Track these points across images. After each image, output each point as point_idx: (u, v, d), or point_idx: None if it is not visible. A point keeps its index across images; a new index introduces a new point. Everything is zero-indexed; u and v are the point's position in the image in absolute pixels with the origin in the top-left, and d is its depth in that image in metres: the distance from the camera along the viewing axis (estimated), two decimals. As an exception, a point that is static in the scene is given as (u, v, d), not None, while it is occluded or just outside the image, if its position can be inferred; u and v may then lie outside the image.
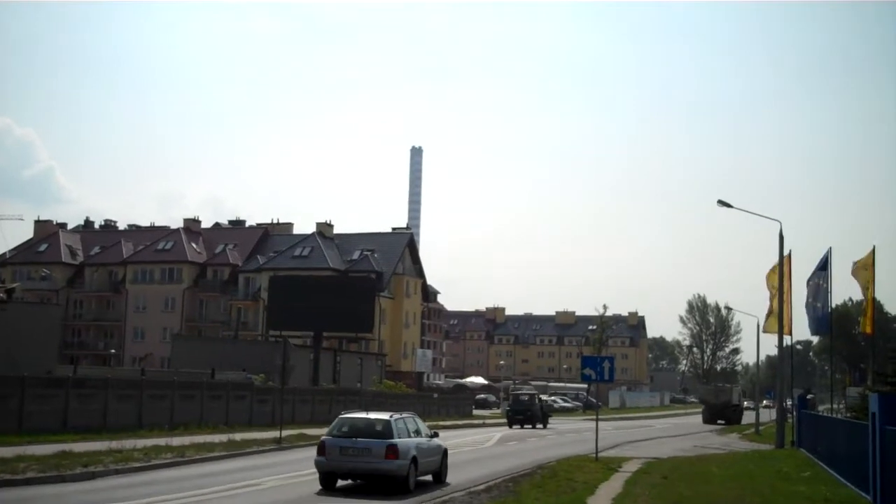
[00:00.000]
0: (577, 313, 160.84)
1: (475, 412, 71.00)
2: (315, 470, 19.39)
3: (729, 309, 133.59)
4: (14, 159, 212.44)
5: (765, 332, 43.11)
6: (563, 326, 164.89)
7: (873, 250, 30.78)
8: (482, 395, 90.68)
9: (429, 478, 20.63)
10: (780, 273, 37.35)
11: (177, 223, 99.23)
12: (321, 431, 36.96)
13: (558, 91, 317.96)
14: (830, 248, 34.21)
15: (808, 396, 49.95)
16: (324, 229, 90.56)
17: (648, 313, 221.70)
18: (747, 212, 38.52)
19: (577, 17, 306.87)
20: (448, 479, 21.24)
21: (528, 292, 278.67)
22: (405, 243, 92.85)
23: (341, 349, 66.71)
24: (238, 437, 30.42)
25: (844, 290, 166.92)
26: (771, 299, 40.97)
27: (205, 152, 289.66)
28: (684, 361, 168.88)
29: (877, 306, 47.29)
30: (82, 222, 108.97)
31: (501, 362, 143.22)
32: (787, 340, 40.57)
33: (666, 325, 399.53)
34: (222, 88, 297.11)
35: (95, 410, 30.70)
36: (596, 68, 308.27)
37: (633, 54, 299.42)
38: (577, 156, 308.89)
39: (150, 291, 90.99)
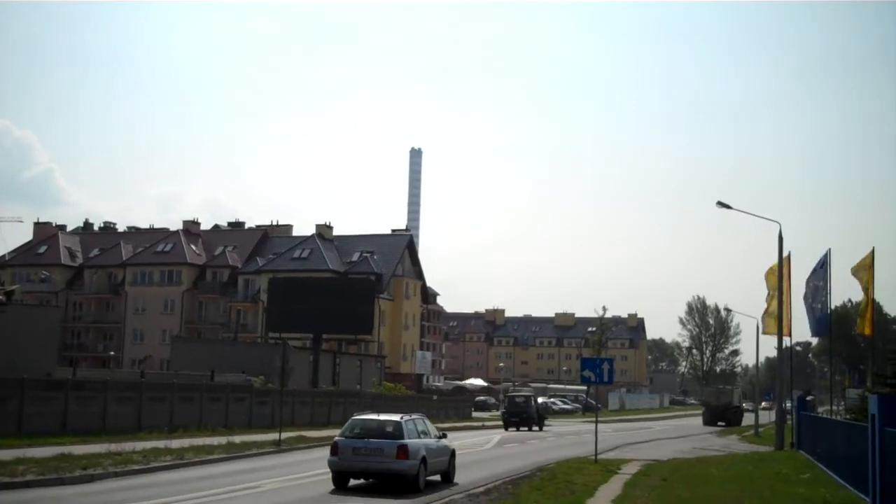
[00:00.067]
0: (576, 315, 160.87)
1: (475, 414, 71.00)
2: (314, 472, 19.62)
3: (728, 310, 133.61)
4: (13, 161, 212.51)
5: (764, 333, 43.12)
6: (563, 328, 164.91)
7: (872, 251, 30.82)
8: (482, 397, 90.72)
9: (437, 477, 21.08)
10: (780, 274, 37.34)
11: (176, 225, 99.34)
12: (321, 434, 37.19)
13: (558, 92, 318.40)
14: (829, 249, 34.28)
15: (808, 398, 49.96)
16: (323, 231, 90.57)
17: (648, 315, 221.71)
18: (747, 213, 38.54)
19: (577, 18, 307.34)
20: (456, 479, 21.72)
21: (527, 294, 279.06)
22: (405, 245, 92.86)
23: (341, 351, 66.73)
24: (237, 439, 30.40)
25: (844, 291, 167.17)
26: (769, 299, 40.98)
27: (204, 154, 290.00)
28: (684, 363, 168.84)
29: (876, 308, 47.29)
30: (82, 224, 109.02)
31: (501, 364, 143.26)
32: (786, 342, 40.53)
33: (665, 326, 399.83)
34: (222, 90, 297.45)
35: (95, 413, 30.70)
36: (595, 69, 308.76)
37: (632, 54, 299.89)
38: (577, 157, 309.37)
39: (149, 293, 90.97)
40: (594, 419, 30.59)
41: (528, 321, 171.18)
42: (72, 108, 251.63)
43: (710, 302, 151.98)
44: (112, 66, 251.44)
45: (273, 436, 31.66)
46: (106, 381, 33.99)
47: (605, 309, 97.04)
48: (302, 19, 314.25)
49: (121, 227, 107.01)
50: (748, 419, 66.66)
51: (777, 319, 37.68)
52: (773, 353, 49.98)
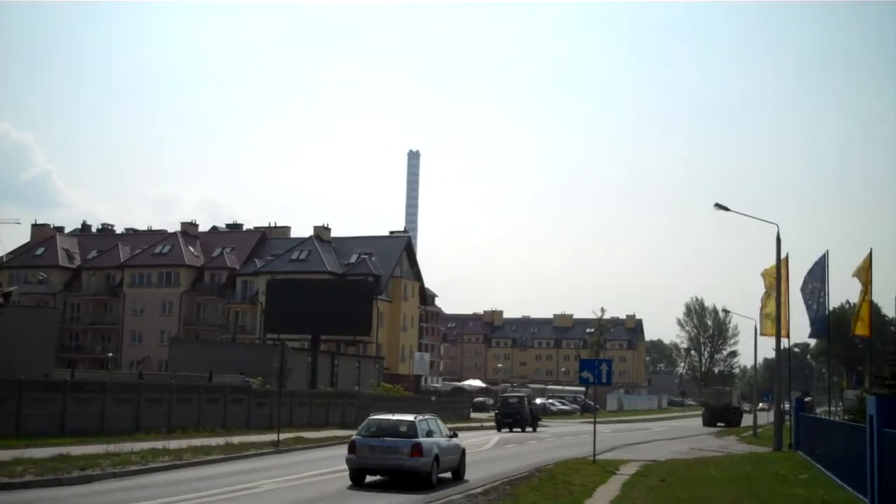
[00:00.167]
0: (574, 316, 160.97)
1: (473, 415, 71.02)
2: (312, 473, 19.71)
3: (727, 312, 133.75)
4: (11, 163, 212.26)
5: (762, 334, 43.16)
6: (561, 329, 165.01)
7: (870, 253, 30.87)
8: (480, 398, 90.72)
9: (448, 475, 22.00)
10: (778, 276, 37.38)
11: (174, 227, 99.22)
12: (319, 434, 37.22)
13: (556, 93, 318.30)
14: (827, 251, 34.33)
15: (806, 399, 50.10)
16: (321, 233, 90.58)
17: (646, 316, 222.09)
18: (745, 215, 38.60)
19: (577, 18, 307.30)
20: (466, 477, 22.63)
21: (525, 295, 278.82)
22: (403, 247, 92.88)
23: (339, 352, 66.74)
24: (236, 440, 30.40)
25: (842, 293, 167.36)
26: (765, 298, 40.98)
27: (202, 156, 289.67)
28: (682, 364, 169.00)
29: (874, 309, 47.38)
30: (79, 226, 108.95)
31: (499, 365, 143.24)
32: (784, 343, 40.57)
33: (664, 327, 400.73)
34: (219, 92, 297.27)
35: (93, 414, 30.68)
36: (595, 70, 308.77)
37: (632, 55, 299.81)
38: (575, 158, 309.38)
39: (147, 295, 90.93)
40: (592, 420, 30.65)
41: (526, 322, 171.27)
42: (70, 109, 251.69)
43: (708, 303, 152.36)
44: (110, 67, 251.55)
45: (271, 437, 31.67)
46: (104, 382, 33.97)
47: (603, 310, 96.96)
48: (301, 20, 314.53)
49: (119, 229, 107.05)
50: (747, 420, 66.73)
51: (775, 321, 37.70)
52: (772, 355, 50.24)
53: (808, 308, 35.26)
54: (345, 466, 21.21)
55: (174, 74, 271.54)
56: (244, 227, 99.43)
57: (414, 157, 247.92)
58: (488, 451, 34.91)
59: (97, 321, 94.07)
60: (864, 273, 30.87)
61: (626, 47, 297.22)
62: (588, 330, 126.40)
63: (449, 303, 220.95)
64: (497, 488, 20.47)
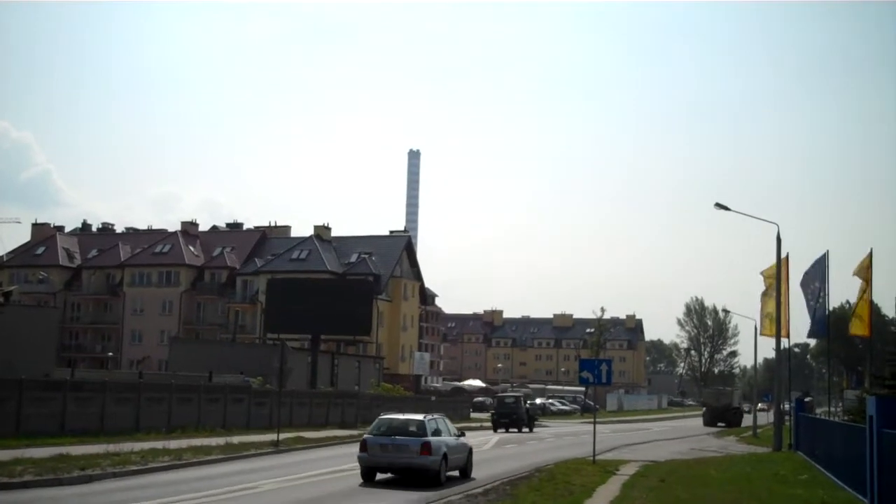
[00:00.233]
0: (574, 316, 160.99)
1: (473, 415, 70.99)
2: (313, 473, 19.79)
3: (727, 312, 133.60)
4: (11, 162, 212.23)
5: (762, 334, 43.14)
6: (561, 329, 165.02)
7: (870, 253, 30.86)
8: (480, 398, 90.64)
9: (456, 473, 22.62)
10: (778, 276, 37.37)
11: (174, 226, 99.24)
12: (319, 434, 37.22)
13: (556, 94, 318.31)
14: (827, 251, 34.31)
15: (806, 399, 50.09)
16: (321, 232, 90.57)
17: (646, 316, 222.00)
18: (745, 214, 38.62)
19: (577, 18, 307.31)
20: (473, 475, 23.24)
21: (525, 295, 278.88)
22: (403, 246, 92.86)
23: (339, 352, 66.72)
24: (235, 440, 30.40)
25: (842, 293, 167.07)
26: (764, 298, 40.94)
27: (202, 155, 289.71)
28: (682, 364, 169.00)
29: (874, 309, 47.35)
30: (80, 225, 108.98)
31: (499, 365, 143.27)
32: (784, 343, 40.54)
33: (664, 327, 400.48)
34: (219, 92, 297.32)
35: (93, 413, 30.67)
36: (595, 70, 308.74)
37: (632, 55, 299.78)
38: (575, 159, 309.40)
39: (147, 294, 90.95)
40: (592, 420, 30.67)
41: (526, 322, 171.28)
42: (70, 108, 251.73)
43: (708, 303, 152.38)
44: (110, 67, 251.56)
45: (271, 436, 31.67)
46: (104, 381, 33.95)
47: (603, 310, 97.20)
48: (299, 23, 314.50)
49: (119, 228, 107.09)
50: (747, 420, 66.74)
51: (775, 321, 37.70)
52: (772, 355, 50.19)
53: (809, 307, 35.25)
54: (346, 466, 21.36)
55: (174, 74, 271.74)
56: (244, 227, 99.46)
57: (414, 157, 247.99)
58: (488, 450, 34.92)
59: (97, 320, 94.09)
60: (865, 273, 30.86)
61: (626, 47, 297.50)
62: (588, 330, 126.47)
63: (449, 302, 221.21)
64: (497, 488, 20.49)
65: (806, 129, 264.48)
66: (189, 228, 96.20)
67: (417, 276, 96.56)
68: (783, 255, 37.38)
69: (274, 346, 46.38)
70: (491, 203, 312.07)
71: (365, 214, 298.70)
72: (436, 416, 23.27)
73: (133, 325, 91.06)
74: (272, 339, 56.40)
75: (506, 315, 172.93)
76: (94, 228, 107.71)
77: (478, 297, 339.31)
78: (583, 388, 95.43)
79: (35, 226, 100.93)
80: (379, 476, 21.52)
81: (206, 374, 43.90)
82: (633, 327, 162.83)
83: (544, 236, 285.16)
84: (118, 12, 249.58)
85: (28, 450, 22.75)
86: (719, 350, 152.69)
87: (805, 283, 36.13)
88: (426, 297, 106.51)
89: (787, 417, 42.74)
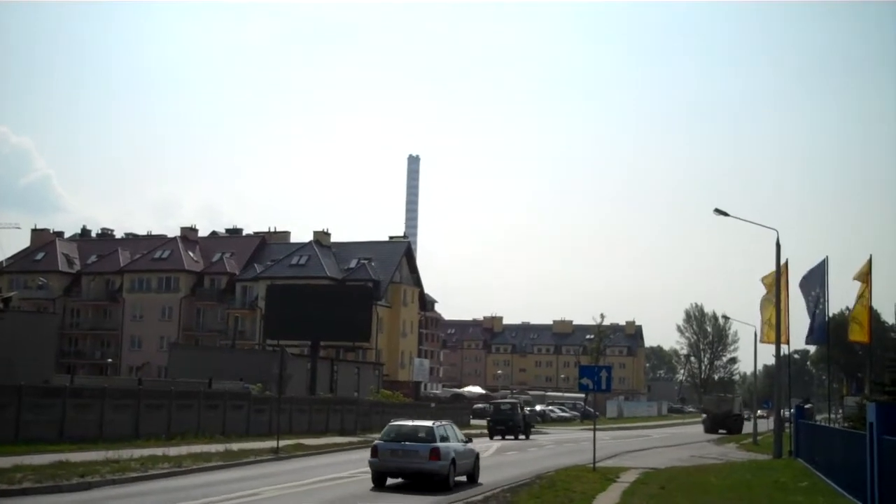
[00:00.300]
0: (574, 322, 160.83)
1: (472, 422, 70.92)
2: (312, 480, 19.88)
3: (726, 318, 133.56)
4: (11, 167, 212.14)
5: (762, 341, 43.10)
6: (561, 336, 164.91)
7: (870, 259, 30.87)
8: (480, 405, 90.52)
9: (464, 478, 23.20)
10: (778, 282, 37.37)
11: (173, 232, 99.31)
12: (318, 441, 37.18)
13: (556, 99, 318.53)
14: (827, 257, 34.32)
15: (807, 406, 49.99)
16: (321, 238, 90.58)
17: (646, 322, 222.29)
18: (744, 220, 38.58)
19: (576, 22, 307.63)
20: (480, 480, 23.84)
21: (525, 301, 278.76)
22: (402, 252, 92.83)
23: (338, 358, 66.66)
24: (235, 446, 30.37)
25: (842, 299, 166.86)
26: (764, 304, 40.91)
27: (201, 161, 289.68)
28: (682, 371, 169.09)
29: (874, 315, 47.36)
30: (79, 231, 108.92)
31: (499, 371, 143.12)
32: (784, 350, 40.50)
33: (663, 334, 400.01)
34: (219, 98, 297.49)
35: (92, 420, 30.64)
36: (594, 75, 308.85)
37: (631, 58, 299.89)
38: (575, 164, 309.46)
39: (146, 300, 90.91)
40: (592, 427, 30.65)
41: (526, 328, 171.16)
42: (69, 112, 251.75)
43: (707, 310, 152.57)
44: (109, 71, 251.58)
45: (271, 443, 31.65)
46: (103, 388, 33.90)
47: (603, 316, 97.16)
48: (298, 29, 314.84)
49: (118, 234, 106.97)
50: (747, 427, 66.68)
51: (775, 327, 37.67)
52: (772, 361, 50.01)
53: (809, 310, 35.20)
54: (345, 473, 21.41)
55: (173, 77, 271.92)
56: (244, 233, 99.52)
57: (414, 162, 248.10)
58: (489, 457, 34.84)
59: (97, 326, 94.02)
60: (864, 279, 30.86)
61: (625, 53, 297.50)
62: (588, 336, 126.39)
63: (448, 308, 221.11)
64: (497, 496, 20.48)
65: (806, 132, 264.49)
66: (188, 234, 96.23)
67: (417, 282, 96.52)
68: (783, 262, 37.38)
69: (273, 352, 46.37)
70: (490, 209, 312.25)
71: (364, 220, 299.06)
72: (444, 422, 23.90)
73: (132, 331, 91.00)
74: (272, 346, 56.38)
75: (505, 321, 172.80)
76: (93, 234, 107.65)
77: (477, 304, 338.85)
78: (583, 395, 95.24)
79: (34, 231, 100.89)
80: (389, 481, 22.10)
81: (206, 381, 43.86)
82: (632, 334, 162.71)
83: (544, 242, 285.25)
84: (117, 15, 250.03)
85: (27, 456, 22.72)
86: (719, 356, 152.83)
87: (805, 286, 36.09)
88: (426, 303, 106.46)
89: (787, 424, 42.70)
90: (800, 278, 37.00)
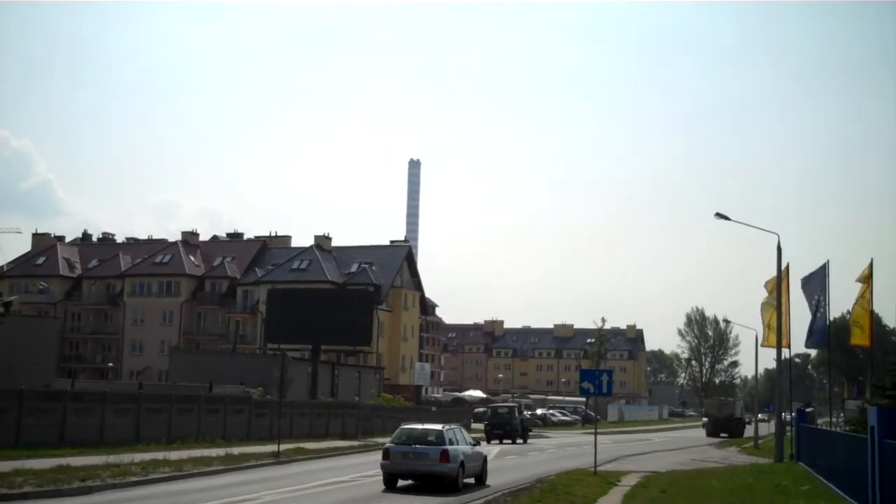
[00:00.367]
0: (575, 326, 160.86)
1: (473, 426, 70.82)
2: (314, 483, 20.04)
3: (727, 322, 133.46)
4: (12, 171, 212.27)
5: (763, 345, 43.07)
6: (562, 339, 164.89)
7: (871, 263, 30.86)
8: (480, 409, 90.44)
9: (472, 480, 23.79)
10: (779, 286, 37.36)
11: (174, 236, 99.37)
12: (319, 445, 37.16)
13: (556, 101, 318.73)
14: (828, 260, 34.30)
15: (808, 409, 49.97)
16: (322, 242, 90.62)
17: (647, 326, 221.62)
18: (745, 224, 38.59)
19: (577, 23, 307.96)
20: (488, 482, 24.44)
21: (526, 305, 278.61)
22: (403, 256, 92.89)
23: (339, 362, 66.63)
24: (236, 451, 30.35)
25: (843, 303, 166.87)
26: (766, 308, 40.90)
27: (202, 164, 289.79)
28: (683, 375, 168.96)
29: (875, 319, 47.30)
30: (80, 235, 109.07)
31: (500, 375, 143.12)
32: (785, 353, 40.52)
33: (664, 338, 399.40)
34: (219, 101, 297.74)
35: (93, 424, 30.63)
36: (594, 77, 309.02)
37: (630, 60, 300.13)
38: (576, 167, 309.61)
39: (147, 304, 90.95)
40: (593, 431, 30.61)
41: (526, 332, 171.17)
42: (69, 115, 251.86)
43: (709, 313, 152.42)
44: (109, 74, 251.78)
45: (272, 447, 31.62)
46: (104, 392, 33.93)
47: (603, 320, 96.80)
48: (300, 25, 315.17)
49: (119, 238, 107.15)
50: (748, 431, 66.63)
51: (776, 331, 37.65)
52: (773, 365, 50.08)
53: (811, 309, 35.16)
54: (346, 477, 21.50)
55: (173, 81, 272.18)
56: (245, 237, 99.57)
57: (415, 166, 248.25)
58: (490, 461, 34.74)
59: (97, 331, 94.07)
60: (865, 283, 30.85)
61: (626, 59, 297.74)
62: (589, 340, 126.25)
63: (449, 312, 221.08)
64: (497, 499, 20.46)
65: (807, 134, 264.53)
66: (189, 238, 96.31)
67: (418, 286, 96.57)
68: (784, 265, 37.37)
69: (274, 356, 46.27)
70: (491, 212, 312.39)
71: (365, 224, 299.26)
72: (453, 426, 24.75)
73: (133, 335, 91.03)
74: (272, 350, 56.33)
75: (506, 325, 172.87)
76: (94, 238, 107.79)
77: (478, 307, 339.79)
78: (584, 399, 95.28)
79: (35, 236, 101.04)
80: (400, 483, 22.74)
81: (207, 385, 43.83)
82: (633, 337, 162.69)
83: (545, 245, 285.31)
84: (116, 16, 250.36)
85: (28, 461, 22.71)
86: (720, 360, 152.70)
87: (807, 289, 36.04)
88: (426, 307, 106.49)
89: (788, 428, 42.65)
90: (802, 282, 36.96)
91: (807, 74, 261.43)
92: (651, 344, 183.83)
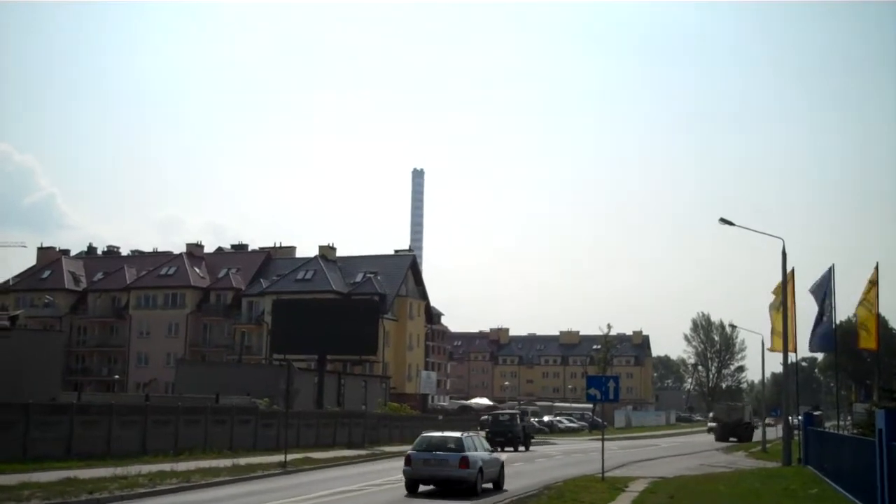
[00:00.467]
0: (581, 333, 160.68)
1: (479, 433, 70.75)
2: (321, 493, 20.37)
3: (733, 326, 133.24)
4: (15, 186, 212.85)
5: (770, 349, 42.98)
6: (568, 346, 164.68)
7: (877, 266, 30.81)
8: (486, 416, 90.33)
9: (490, 485, 24.49)
10: (784, 290, 37.32)
11: (179, 248, 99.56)
12: (326, 455, 37.14)
13: (560, 110, 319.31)
14: (833, 265, 34.25)
15: (816, 413, 49.82)
16: (326, 252, 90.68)
17: (653, 332, 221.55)
18: (749, 229, 38.55)
19: (582, 34, 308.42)
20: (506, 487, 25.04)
21: (531, 312, 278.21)
22: (408, 265, 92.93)
23: (345, 372, 66.56)
24: (243, 461, 30.34)
25: (849, 306, 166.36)
26: (773, 313, 40.83)
27: (206, 177, 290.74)
28: (689, 380, 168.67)
29: (881, 322, 47.26)
30: (85, 248, 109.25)
31: (506, 383, 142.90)
32: (792, 357, 40.41)
33: (671, 343, 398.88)
34: (222, 113, 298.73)
35: (99, 437, 30.63)
36: (598, 87, 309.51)
37: (634, 67, 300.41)
38: (579, 174, 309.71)
39: (153, 317, 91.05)
40: (601, 437, 30.59)
41: (532, 339, 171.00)
42: (72, 131, 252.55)
43: (714, 318, 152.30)
44: (111, 89, 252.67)
45: (278, 457, 31.60)
46: (110, 404, 33.94)
47: (609, 326, 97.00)
48: (302, 37, 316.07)
49: (124, 251, 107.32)
50: (757, 435, 66.46)
51: (782, 335, 37.59)
52: (779, 369, 49.84)
53: (818, 321, 35.10)
54: (354, 486, 21.60)
55: (176, 96, 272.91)
56: (249, 248, 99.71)
57: (418, 176, 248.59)
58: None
59: (103, 343, 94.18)
60: (870, 286, 30.80)
61: (629, 62, 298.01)
62: (595, 346, 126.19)
63: (455, 320, 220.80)
64: (506, 507, 20.46)
65: (810, 138, 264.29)
66: (194, 250, 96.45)
67: (423, 294, 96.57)
68: (789, 270, 37.33)
69: (280, 366, 46.32)
70: (495, 221, 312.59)
71: (370, 234, 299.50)
72: (471, 433, 26.11)
73: (139, 347, 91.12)
74: (278, 360, 56.32)
75: (512, 332, 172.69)
76: (99, 251, 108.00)
77: (484, 315, 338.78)
78: (590, 405, 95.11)
79: (40, 250, 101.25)
80: (421, 488, 23.53)
81: (213, 396, 43.83)
82: (639, 343, 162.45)
83: (549, 252, 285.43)
84: (117, 29, 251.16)
85: (35, 474, 22.71)
86: (727, 365, 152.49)
87: (816, 293, 35.96)
88: (432, 315, 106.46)
89: (795, 432, 42.52)
90: (807, 286, 36.91)
91: (807, 74, 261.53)
92: (657, 349, 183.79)
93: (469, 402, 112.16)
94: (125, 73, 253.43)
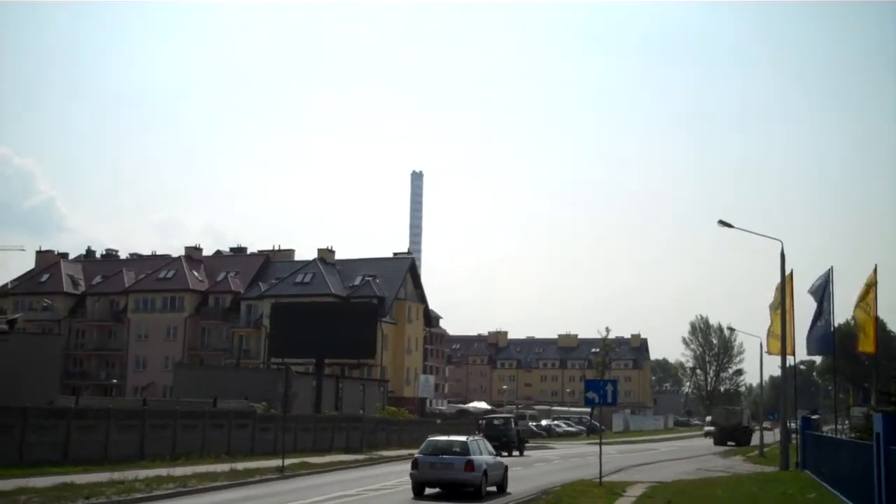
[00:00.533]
0: (579, 336, 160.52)
1: (479, 437, 70.67)
2: (318, 498, 20.09)
3: (731, 330, 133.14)
4: (14, 190, 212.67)
5: (768, 353, 42.97)
6: (566, 350, 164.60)
7: (875, 269, 30.78)
8: (482, 421, 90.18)
9: (494, 488, 24.99)
10: (783, 292, 37.31)
11: (178, 251, 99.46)
12: (324, 459, 37.08)
13: (561, 110, 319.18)
14: (832, 267, 34.23)
15: (814, 417, 49.76)
16: (325, 255, 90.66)
17: (651, 335, 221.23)
18: (748, 231, 38.56)
19: (580, 34, 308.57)
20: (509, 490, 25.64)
21: (530, 316, 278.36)
22: (406, 268, 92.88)
23: (343, 376, 66.52)
24: (240, 466, 30.26)
25: (847, 309, 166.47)
26: (771, 316, 40.82)
27: (204, 180, 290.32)
28: (688, 383, 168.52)
29: (880, 325, 47.22)
30: (84, 252, 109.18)
31: (504, 387, 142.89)
32: (790, 361, 40.39)
33: (669, 346, 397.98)
34: (222, 114, 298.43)
35: (97, 441, 30.56)
36: (598, 87, 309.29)
37: (633, 68, 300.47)
38: (578, 176, 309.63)
39: (151, 320, 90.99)
40: (598, 441, 30.55)
41: (531, 343, 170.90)
42: (71, 135, 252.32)
43: (713, 321, 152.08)
44: (109, 90, 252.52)
45: (276, 462, 31.54)
46: (108, 409, 33.85)
47: (608, 330, 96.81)
48: (301, 38, 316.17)
49: (123, 254, 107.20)
50: (755, 439, 66.48)
51: (780, 338, 37.57)
52: (778, 372, 49.74)
53: (815, 324, 35.07)
54: (352, 491, 21.61)
55: (175, 99, 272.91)
56: (248, 251, 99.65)
57: (417, 178, 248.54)
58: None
59: (101, 347, 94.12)
60: (869, 289, 30.77)
61: (628, 65, 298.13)
62: (593, 350, 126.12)
63: (453, 324, 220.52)
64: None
65: (809, 139, 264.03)
66: (193, 253, 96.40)
67: (421, 298, 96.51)
68: (788, 272, 37.32)
69: (278, 370, 46.26)
70: (494, 224, 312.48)
71: (368, 237, 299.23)
72: (476, 437, 26.83)
73: (137, 351, 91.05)
74: (276, 364, 56.28)
75: (510, 336, 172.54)
76: (97, 255, 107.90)
77: (482, 319, 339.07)
78: (588, 409, 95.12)
79: (39, 253, 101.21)
80: (427, 490, 23.99)
81: (211, 400, 43.79)
82: (638, 347, 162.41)
83: (548, 256, 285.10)
84: (116, 32, 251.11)
85: (31, 479, 22.65)
86: (725, 368, 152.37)
87: (816, 295, 35.94)
88: (430, 319, 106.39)
89: (793, 436, 42.50)
90: (806, 288, 36.89)
91: (807, 74, 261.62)
92: (656, 353, 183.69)
93: (467, 405, 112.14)
94: (125, 73, 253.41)
